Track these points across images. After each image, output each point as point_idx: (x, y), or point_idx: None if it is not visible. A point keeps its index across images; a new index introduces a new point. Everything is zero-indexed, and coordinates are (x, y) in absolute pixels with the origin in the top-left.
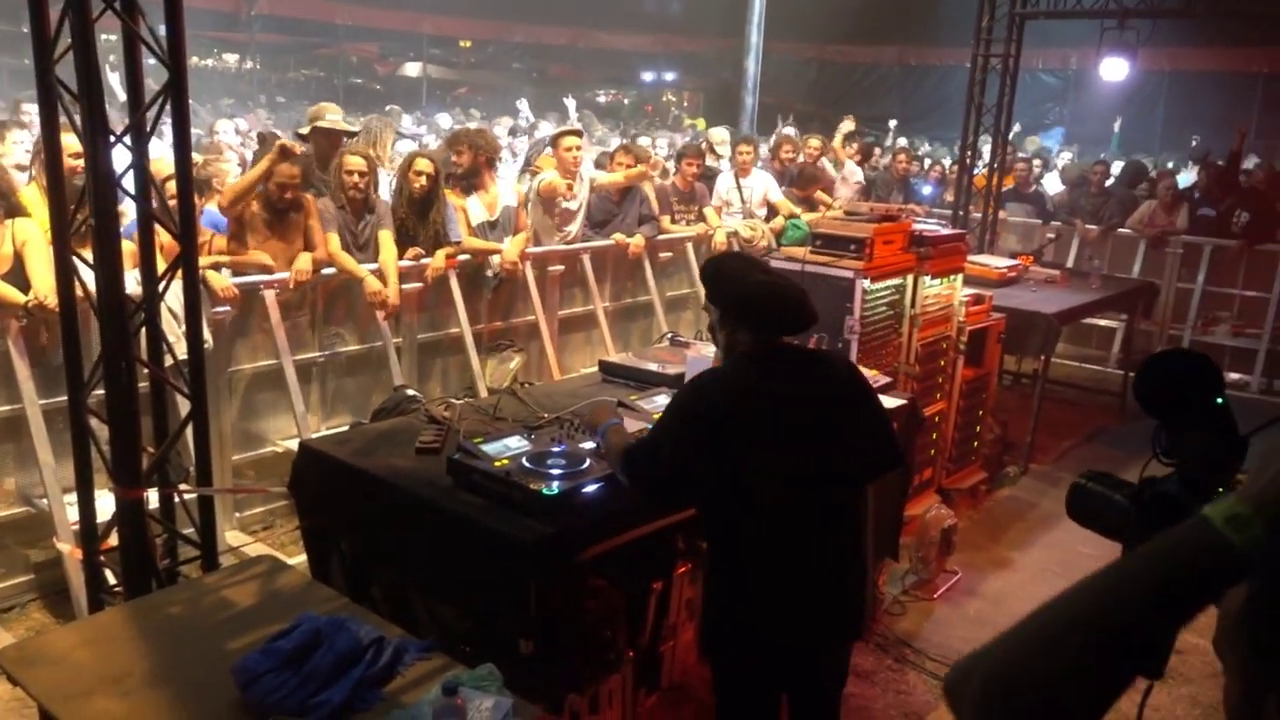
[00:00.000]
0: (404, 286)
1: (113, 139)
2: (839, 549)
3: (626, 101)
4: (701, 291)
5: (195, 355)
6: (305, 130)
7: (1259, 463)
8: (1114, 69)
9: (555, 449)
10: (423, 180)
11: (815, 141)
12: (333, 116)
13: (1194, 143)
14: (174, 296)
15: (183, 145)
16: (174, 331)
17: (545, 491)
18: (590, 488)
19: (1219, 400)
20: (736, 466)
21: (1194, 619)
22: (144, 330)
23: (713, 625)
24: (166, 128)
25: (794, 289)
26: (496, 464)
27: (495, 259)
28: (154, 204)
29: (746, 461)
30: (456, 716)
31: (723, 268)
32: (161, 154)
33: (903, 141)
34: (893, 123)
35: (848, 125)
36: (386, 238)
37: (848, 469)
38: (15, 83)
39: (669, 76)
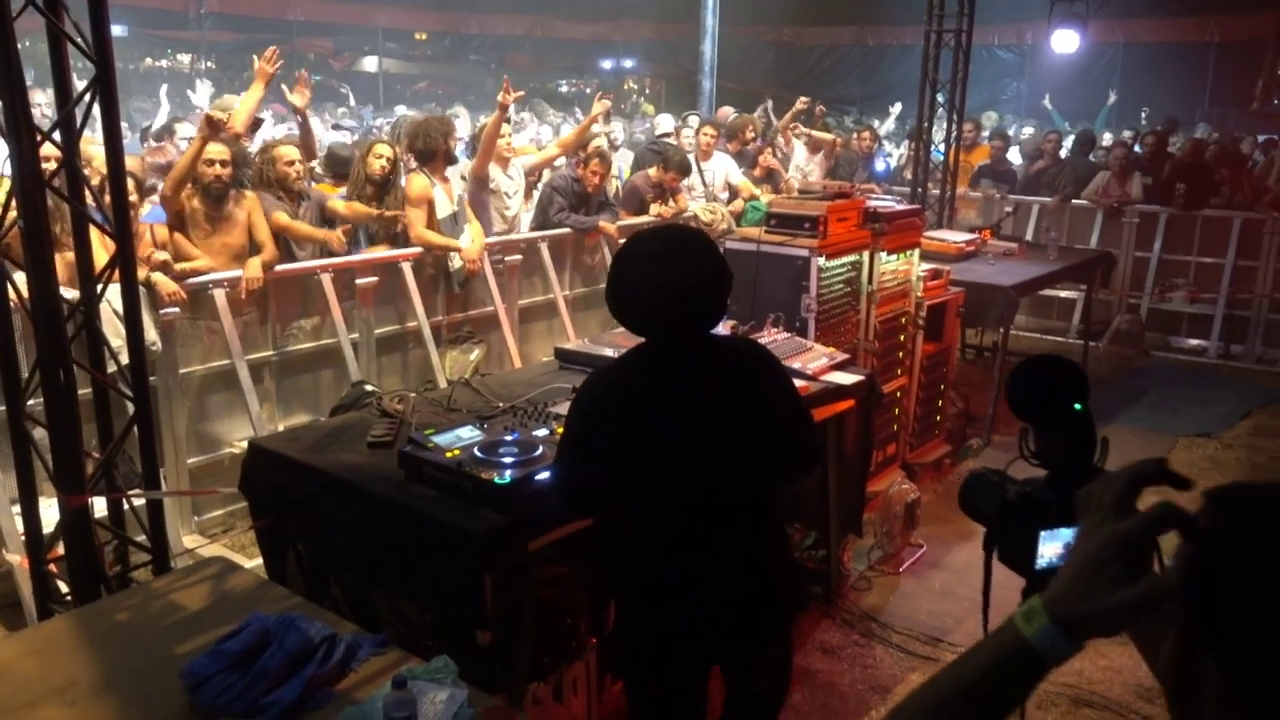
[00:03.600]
0: (359, 281)
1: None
2: (742, 552)
3: (588, 91)
4: None
5: (136, 357)
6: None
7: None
8: (1064, 41)
9: (508, 438)
10: (383, 162)
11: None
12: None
13: (1144, 115)
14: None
15: (113, 141)
16: (120, 335)
17: (497, 480)
18: (544, 475)
19: (1078, 406)
20: (625, 465)
21: (1009, 710)
22: (85, 333)
23: (619, 645)
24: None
25: (686, 280)
26: (448, 455)
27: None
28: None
29: (633, 459)
30: (408, 710)
31: (619, 256)
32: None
33: (889, 125)
34: (896, 107)
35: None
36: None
37: (744, 468)
38: None
39: (628, 64)
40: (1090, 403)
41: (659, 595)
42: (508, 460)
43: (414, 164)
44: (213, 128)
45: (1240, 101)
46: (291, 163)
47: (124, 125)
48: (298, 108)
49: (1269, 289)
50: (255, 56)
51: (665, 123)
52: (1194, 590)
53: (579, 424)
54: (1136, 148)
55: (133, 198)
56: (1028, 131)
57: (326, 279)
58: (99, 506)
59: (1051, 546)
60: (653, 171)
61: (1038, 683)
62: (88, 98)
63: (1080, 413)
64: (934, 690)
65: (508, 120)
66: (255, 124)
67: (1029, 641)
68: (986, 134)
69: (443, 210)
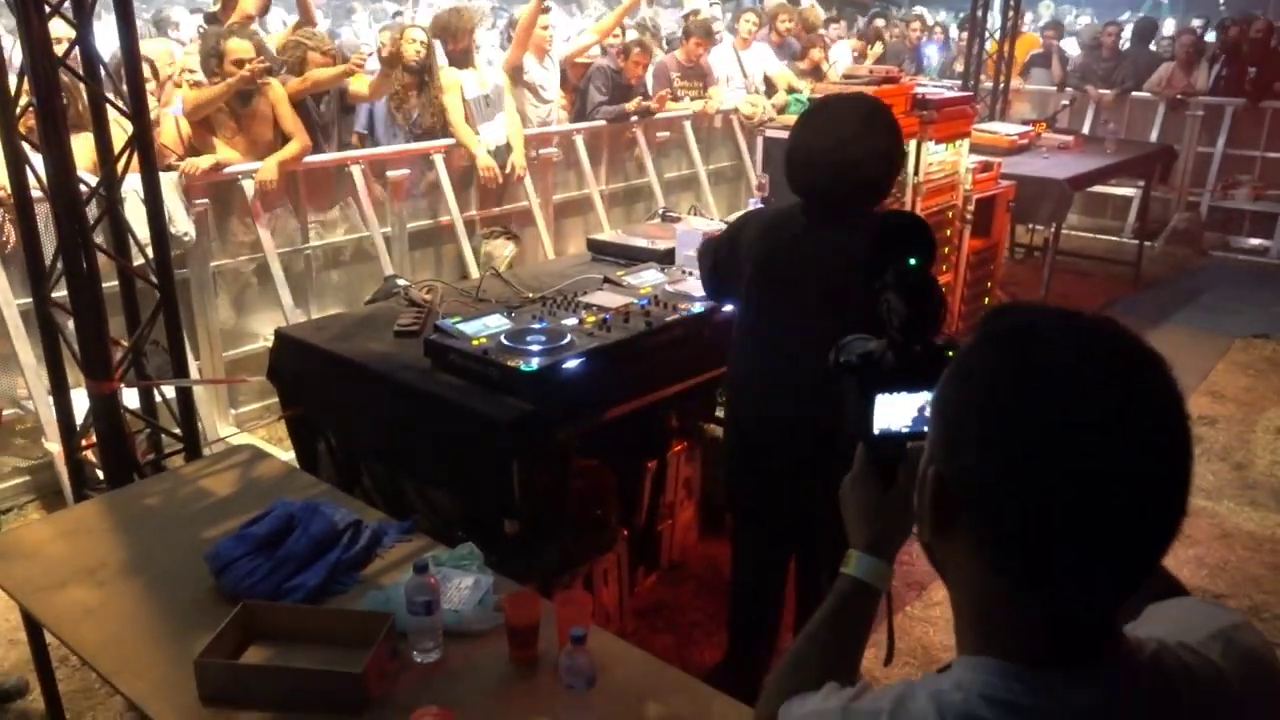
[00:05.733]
0: (390, 174)
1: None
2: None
3: None
4: (703, 172)
5: (160, 244)
6: (216, 8)
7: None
8: None
9: (536, 326)
10: (418, 47)
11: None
12: None
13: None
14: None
15: (126, 19)
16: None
17: (524, 368)
18: (571, 363)
19: (913, 262)
20: (747, 289)
21: (863, 631)
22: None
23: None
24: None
25: (850, 159)
26: (474, 343)
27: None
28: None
29: (754, 288)
30: (429, 595)
31: (808, 113)
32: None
33: (919, 10)
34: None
35: None
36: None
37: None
38: None
39: None
40: (1141, 303)
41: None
42: (535, 348)
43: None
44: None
45: None
46: (328, 56)
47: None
48: None
49: None
50: None
51: (706, 10)
52: (971, 416)
53: (728, 229)
54: (1209, 36)
55: (151, 85)
56: (1084, 20)
57: (357, 171)
58: (131, 397)
59: (888, 410)
60: (679, 52)
61: (874, 608)
62: None
63: (915, 269)
64: (790, 651)
65: (546, 10)
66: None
67: (853, 576)
68: (1040, 22)
69: (472, 91)
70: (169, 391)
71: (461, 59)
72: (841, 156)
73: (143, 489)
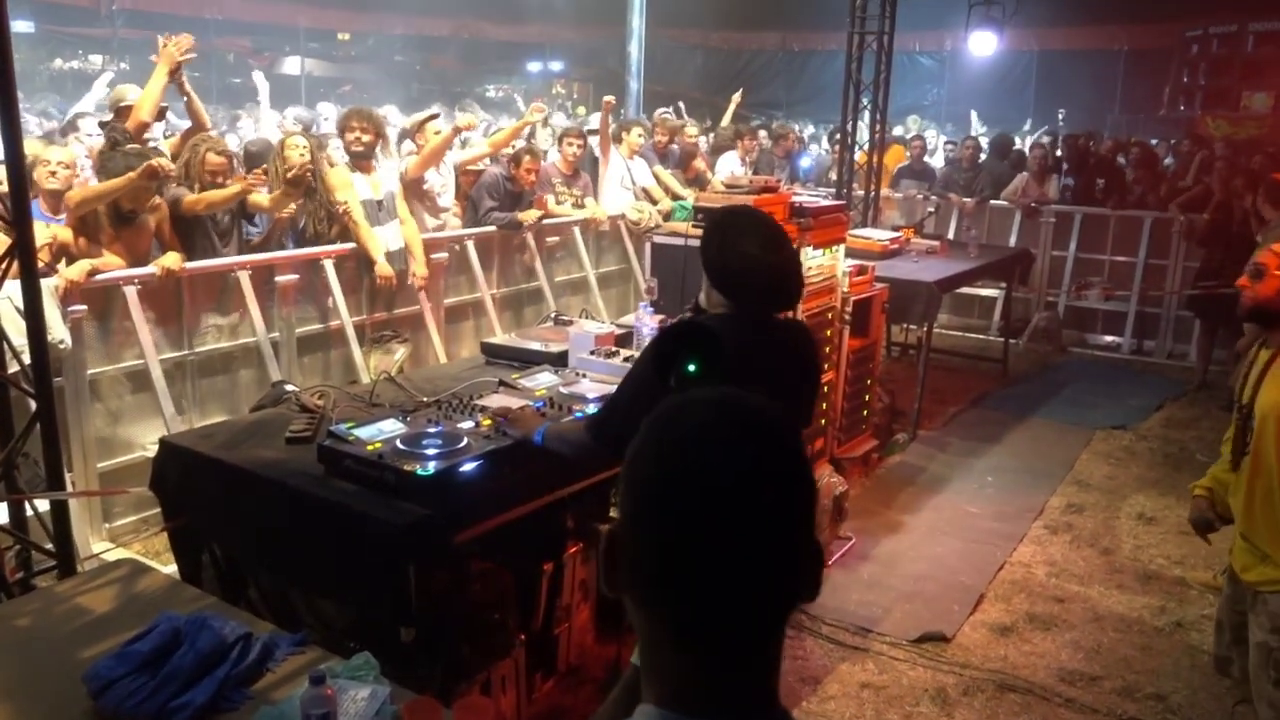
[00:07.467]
0: (278, 279)
1: None
2: None
3: (518, 97)
4: (592, 276)
5: (39, 353)
6: (110, 118)
7: None
8: (982, 44)
9: (431, 430)
10: (300, 152)
11: (692, 130)
12: (134, 95)
13: (1060, 117)
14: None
15: (10, 125)
16: (24, 333)
17: (420, 472)
18: (468, 466)
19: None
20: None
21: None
22: None
23: None
24: None
25: (783, 266)
26: (369, 448)
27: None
28: None
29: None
30: (326, 708)
31: (722, 226)
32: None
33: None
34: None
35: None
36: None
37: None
38: None
39: (556, 67)
40: (1009, 398)
41: None
42: (431, 452)
43: (344, 158)
44: (151, 175)
45: (1148, 108)
46: (217, 173)
47: (35, 121)
48: (170, 69)
49: (1177, 286)
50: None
51: (595, 121)
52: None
53: (647, 360)
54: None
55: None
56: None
57: (244, 276)
58: (0, 512)
59: None
60: (559, 161)
61: None
62: None
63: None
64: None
65: (436, 116)
66: (160, 113)
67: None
68: (907, 134)
69: (363, 194)
70: (41, 505)
71: (365, 155)
72: (785, 262)
73: (12, 609)
